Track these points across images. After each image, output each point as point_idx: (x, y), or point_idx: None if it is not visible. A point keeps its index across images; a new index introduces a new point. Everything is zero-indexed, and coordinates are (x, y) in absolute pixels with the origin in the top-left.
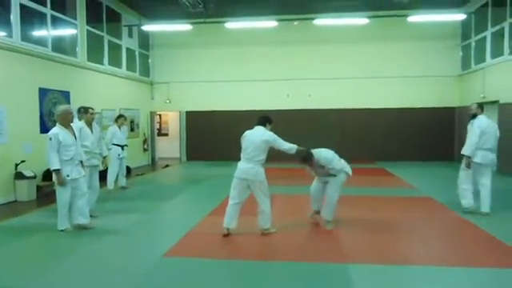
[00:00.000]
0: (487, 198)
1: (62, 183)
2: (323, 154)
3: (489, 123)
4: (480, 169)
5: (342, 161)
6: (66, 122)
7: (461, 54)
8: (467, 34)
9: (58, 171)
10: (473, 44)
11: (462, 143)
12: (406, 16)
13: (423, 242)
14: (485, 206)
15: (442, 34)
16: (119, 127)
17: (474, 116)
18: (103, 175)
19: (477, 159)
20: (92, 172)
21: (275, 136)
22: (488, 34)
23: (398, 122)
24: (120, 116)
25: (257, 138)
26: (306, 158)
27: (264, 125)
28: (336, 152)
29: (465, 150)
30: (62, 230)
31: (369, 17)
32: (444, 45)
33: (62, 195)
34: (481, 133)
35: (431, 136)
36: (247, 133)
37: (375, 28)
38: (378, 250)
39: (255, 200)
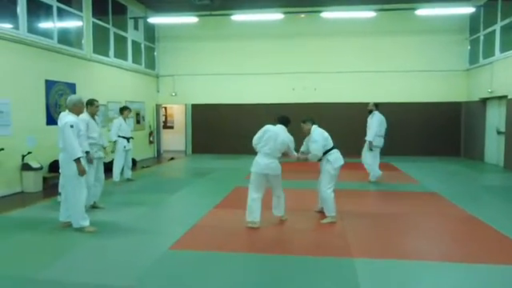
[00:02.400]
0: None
1: (84, 173)
2: (315, 132)
3: (382, 117)
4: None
5: (334, 152)
6: (78, 112)
7: (469, 48)
8: (476, 27)
9: (79, 160)
10: (481, 38)
11: (468, 139)
12: (414, 9)
13: (428, 237)
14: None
15: (449, 27)
16: (124, 119)
17: (371, 112)
18: (109, 167)
19: (376, 143)
20: (98, 164)
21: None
22: (497, 27)
23: (404, 116)
24: (125, 108)
25: (280, 137)
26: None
27: (286, 125)
28: (335, 143)
29: (369, 137)
30: (81, 228)
31: (376, 10)
32: (452, 39)
33: (80, 189)
34: (379, 124)
35: (437, 131)
36: (270, 128)
37: (382, 21)
38: (383, 245)
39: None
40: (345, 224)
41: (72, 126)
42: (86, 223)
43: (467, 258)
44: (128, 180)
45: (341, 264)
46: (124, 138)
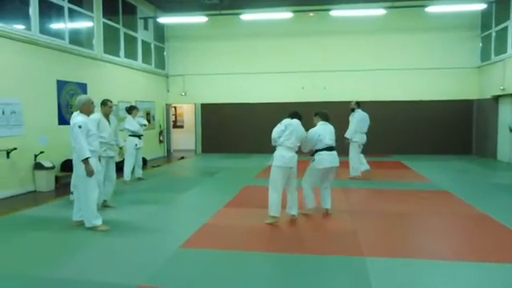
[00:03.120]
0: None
1: (92, 173)
2: (313, 129)
3: (364, 115)
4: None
5: (323, 153)
6: (88, 112)
7: (480, 45)
8: (487, 24)
9: (87, 160)
10: (493, 34)
11: (480, 136)
12: (424, 6)
13: (440, 235)
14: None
15: (461, 24)
16: (133, 118)
17: (353, 110)
18: (119, 167)
19: (356, 139)
20: (109, 163)
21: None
22: (509, 24)
23: (414, 114)
24: (133, 107)
25: (301, 132)
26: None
27: (300, 120)
28: (335, 140)
29: (347, 134)
30: (92, 227)
31: (386, 7)
32: (463, 36)
33: (92, 188)
34: (360, 121)
35: (449, 129)
36: (292, 122)
37: (392, 19)
38: (395, 244)
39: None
40: (356, 223)
41: (80, 127)
42: (99, 222)
43: (479, 256)
44: (139, 179)
45: (352, 263)
46: (135, 136)
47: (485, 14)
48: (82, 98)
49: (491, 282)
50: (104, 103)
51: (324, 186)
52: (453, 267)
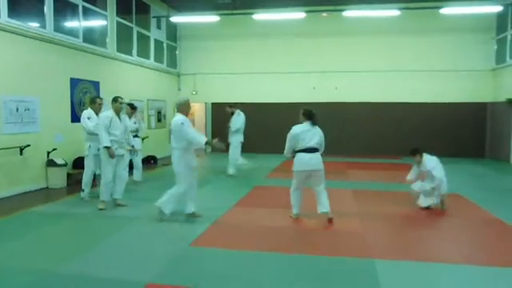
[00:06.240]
0: None
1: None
2: (292, 128)
3: (243, 116)
4: None
5: (299, 154)
6: (186, 113)
7: (495, 47)
8: (503, 26)
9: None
10: (509, 37)
11: (493, 140)
12: (439, 8)
13: (451, 239)
14: None
15: (476, 26)
16: (130, 118)
17: (233, 113)
18: (130, 165)
19: (237, 137)
20: (119, 161)
21: None
22: None
23: (427, 116)
24: (133, 108)
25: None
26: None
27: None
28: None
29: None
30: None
31: (400, 8)
32: (478, 38)
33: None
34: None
35: (461, 132)
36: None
37: (406, 20)
38: (405, 246)
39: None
40: (365, 225)
41: (183, 124)
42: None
43: (491, 260)
44: (135, 182)
45: (361, 265)
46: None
47: (500, 17)
48: (182, 98)
49: (501, 286)
50: (115, 100)
51: (317, 188)
52: (462, 270)
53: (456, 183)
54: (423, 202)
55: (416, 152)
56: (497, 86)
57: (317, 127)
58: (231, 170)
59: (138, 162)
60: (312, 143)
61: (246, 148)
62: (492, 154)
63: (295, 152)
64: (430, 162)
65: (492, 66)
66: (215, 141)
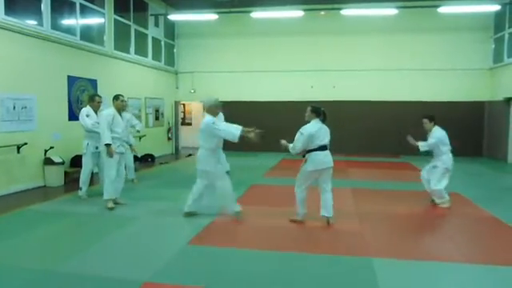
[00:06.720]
0: None
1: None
2: (306, 126)
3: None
4: None
5: (317, 153)
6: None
7: (493, 46)
8: (501, 25)
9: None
10: (506, 36)
11: (491, 139)
12: (437, 7)
13: (449, 237)
14: None
15: (473, 25)
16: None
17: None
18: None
19: None
20: (120, 160)
21: None
22: None
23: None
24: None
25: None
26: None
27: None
28: (330, 140)
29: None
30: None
31: (398, 7)
32: (475, 37)
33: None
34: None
35: (459, 131)
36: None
37: (404, 19)
38: (403, 245)
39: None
40: (363, 223)
41: (214, 123)
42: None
43: (488, 259)
44: (132, 181)
45: (359, 263)
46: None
47: (498, 16)
48: (211, 99)
49: (500, 284)
50: (116, 97)
51: (324, 188)
52: (461, 269)
53: (454, 182)
54: (433, 185)
55: (431, 119)
56: (494, 85)
57: (325, 124)
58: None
59: (129, 160)
60: (326, 141)
61: (245, 147)
62: (489, 153)
63: (308, 151)
64: (437, 132)
65: (489, 65)
66: (252, 133)
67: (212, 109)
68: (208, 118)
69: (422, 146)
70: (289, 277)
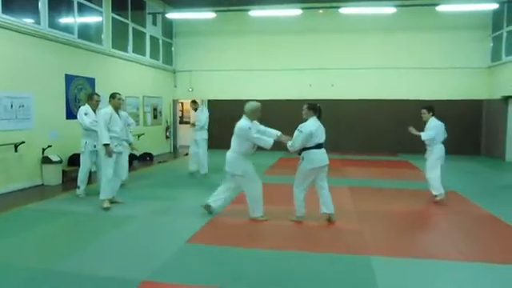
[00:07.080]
0: None
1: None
2: (305, 124)
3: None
4: None
5: (314, 151)
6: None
7: (491, 45)
8: (499, 24)
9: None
10: (504, 35)
11: (488, 137)
12: (435, 5)
13: (447, 236)
14: None
15: (471, 24)
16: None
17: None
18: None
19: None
20: (118, 159)
21: None
22: None
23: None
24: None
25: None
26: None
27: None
28: (327, 137)
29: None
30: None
31: (396, 6)
32: (474, 35)
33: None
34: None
35: (457, 129)
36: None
37: (402, 17)
38: (401, 243)
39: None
40: (362, 222)
41: (250, 128)
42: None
43: (486, 257)
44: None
45: (358, 262)
46: None
47: (496, 14)
48: (253, 104)
49: (497, 282)
50: (112, 96)
51: (321, 186)
52: (459, 267)
53: (451, 180)
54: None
55: (430, 110)
56: (492, 84)
57: (320, 120)
58: (204, 169)
59: (124, 159)
60: (323, 139)
61: None
62: (487, 152)
63: (306, 149)
64: (433, 122)
65: (488, 64)
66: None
67: (253, 114)
68: (244, 122)
69: (424, 135)
70: (288, 275)
